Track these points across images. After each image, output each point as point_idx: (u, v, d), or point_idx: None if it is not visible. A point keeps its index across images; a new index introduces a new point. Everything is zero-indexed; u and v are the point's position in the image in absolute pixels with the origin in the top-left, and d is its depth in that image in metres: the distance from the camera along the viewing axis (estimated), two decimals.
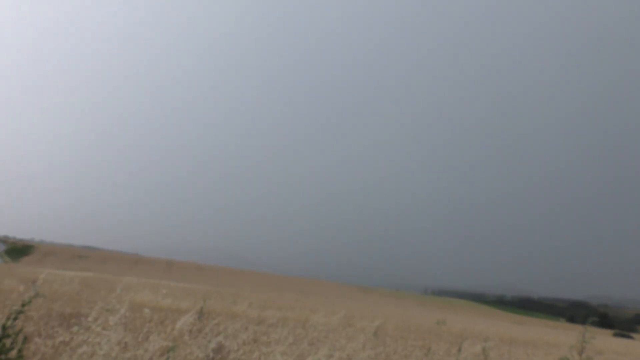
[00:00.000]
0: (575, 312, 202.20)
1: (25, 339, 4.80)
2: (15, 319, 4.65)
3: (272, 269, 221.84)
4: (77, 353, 6.88)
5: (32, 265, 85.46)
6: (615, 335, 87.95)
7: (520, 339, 28.87)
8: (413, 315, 46.66)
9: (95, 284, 30.55)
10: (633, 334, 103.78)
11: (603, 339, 48.08)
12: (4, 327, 4.51)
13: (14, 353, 4.49)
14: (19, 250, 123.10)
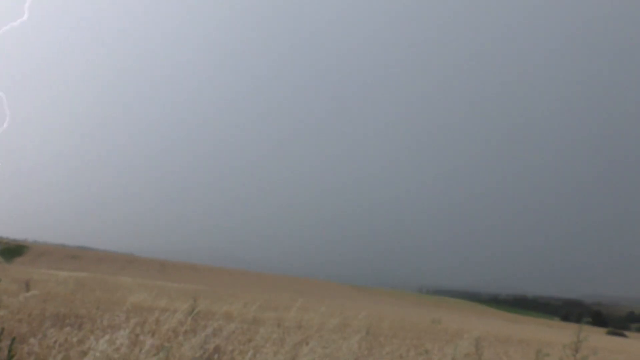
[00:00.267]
0: (569, 310, 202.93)
1: (14, 339, 4.77)
2: None
3: (268, 269, 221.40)
4: (70, 353, 6.85)
5: (25, 265, 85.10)
6: (609, 333, 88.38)
7: (515, 337, 28.98)
8: (408, 314, 46.75)
9: (90, 284, 30.46)
10: (626, 332, 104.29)
11: (597, 338, 48.31)
12: None
13: (4, 353, 4.47)
14: (12, 250, 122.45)
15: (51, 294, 19.72)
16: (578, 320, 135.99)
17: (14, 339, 4.61)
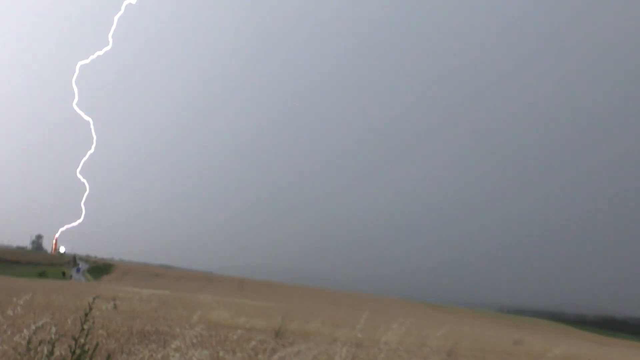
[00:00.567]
0: None
1: (109, 356, 4.96)
2: (87, 335, 4.80)
3: (343, 286, 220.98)
4: None
5: (112, 283, 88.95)
6: None
7: None
8: (488, 335, 45.28)
9: (172, 302, 31.41)
10: None
11: None
12: (75, 340, 4.67)
13: None
14: (100, 268, 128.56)
15: (136, 311, 20.48)
16: None
17: (108, 356, 4.79)
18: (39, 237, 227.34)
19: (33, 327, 5.26)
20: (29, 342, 4.88)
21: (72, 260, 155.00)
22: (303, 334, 18.61)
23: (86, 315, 4.75)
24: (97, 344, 4.98)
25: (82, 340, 4.67)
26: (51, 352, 4.74)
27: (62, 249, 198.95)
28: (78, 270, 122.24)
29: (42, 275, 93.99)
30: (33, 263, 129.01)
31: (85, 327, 4.75)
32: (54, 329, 4.76)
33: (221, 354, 9.00)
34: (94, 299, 4.72)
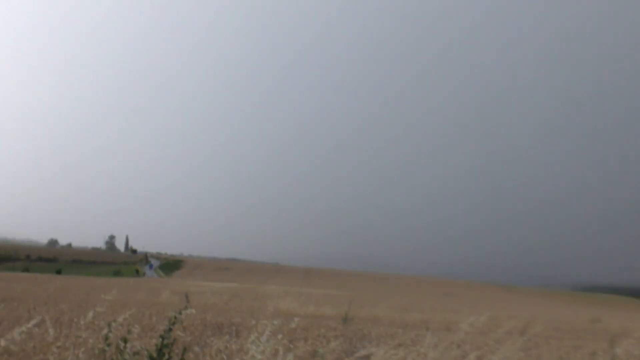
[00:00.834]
0: None
1: (185, 349, 5.10)
2: (170, 329, 4.95)
3: (408, 271, 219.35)
4: None
5: (183, 278, 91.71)
6: None
7: None
8: (563, 314, 44.04)
9: (241, 294, 32.06)
10: None
11: None
12: (162, 337, 4.82)
13: None
14: (171, 265, 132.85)
15: (208, 304, 21.01)
16: None
17: (185, 349, 4.93)
18: (112, 237, 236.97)
19: (114, 324, 5.47)
20: (106, 339, 5.08)
21: (144, 258, 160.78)
22: (372, 319, 18.63)
23: (173, 320, 4.92)
24: (175, 339, 5.14)
25: (163, 335, 4.84)
26: (131, 347, 4.93)
27: (134, 248, 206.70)
28: (151, 267, 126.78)
29: (117, 273, 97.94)
30: (108, 262, 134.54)
31: (168, 323, 4.92)
32: (135, 325, 4.92)
33: (295, 342, 9.12)
34: (187, 296, 4.85)
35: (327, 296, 37.09)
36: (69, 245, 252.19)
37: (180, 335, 9.73)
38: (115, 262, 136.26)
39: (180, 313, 5.12)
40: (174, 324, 4.99)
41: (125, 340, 4.93)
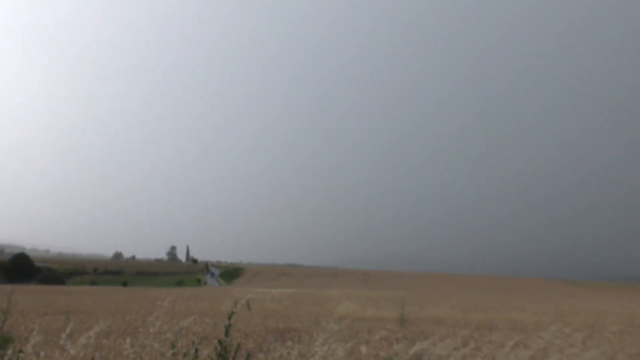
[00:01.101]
0: None
1: (249, 355, 5.15)
2: (227, 334, 5.00)
3: (468, 269, 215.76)
4: None
5: (243, 285, 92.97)
6: None
7: None
8: (634, 308, 42.25)
9: (301, 299, 32.20)
10: None
11: None
12: (220, 342, 4.88)
13: None
14: (231, 273, 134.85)
15: (269, 310, 21.20)
16: None
17: (248, 355, 4.98)
18: (173, 248, 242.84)
19: (181, 332, 5.58)
20: (173, 347, 5.19)
21: (205, 267, 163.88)
22: (435, 320, 18.36)
23: (229, 318, 4.99)
24: (239, 345, 5.20)
25: (226, 341, 4.90)
26: (196, 354, 5.01)
27: (195, 258, 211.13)
28: (212, 275, 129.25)
29: (179, 283, 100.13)
30: (171, 273, 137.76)
31: (229, 329, 4.99)
32: (197, 334, 5.00)
33: (357, 346, 9.07)
34: (245, 302, 4.90)
35: (387, 298, 36.80)
36: (133, 257, 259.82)
37: (243, 342, 9.85)
38: (177, 272, 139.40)
39: (233, 313, 5.17)
40: (230, 325, 5.05)
41: (196, 349, 5.02)
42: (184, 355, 5.06)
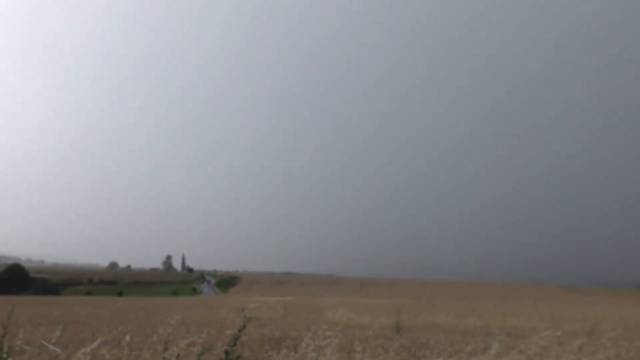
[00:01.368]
0: None
1: None
2: (234, 344, 5.04)
3: (464, 276, 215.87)
4: None
5: (239, 294, 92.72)
6: None
7: None
8: (631, 314, 42.34)
9: (297, 307, 32.15)
10: None
11: None
12: (227, 353, 4.91)
13: None
14: (226, 281, 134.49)
15: (264, 318, 21.17)
16: None
17: None
18: (169, 257, 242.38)
19: (180, 345, 5.61)
20: (178, 357, 5.22)
21: (201, 276, 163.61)
22: (431, 327, 18.39)
23: (238, 333, 5.03)
24: (239, 355, 5.24)
25: (228, 351, 4.94)
26: None
27: (190, 267, 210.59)
28: (209, 283, 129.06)
29: (175, 293, 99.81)
30: (167, 282, 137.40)
31: (232, 339, 5.03)
32: (197, 342, 5.03)
33: (352, 354, 9.11)
34: (243, 311, 4.95)
35: (384, 305, 36.79)
36: (129, 267, 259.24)
37: (239, 351, 9.88)
38: (173, 282, 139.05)
39: (244, 327, 5.22)
40: (238, 338, 5.09)
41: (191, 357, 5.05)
42: None
